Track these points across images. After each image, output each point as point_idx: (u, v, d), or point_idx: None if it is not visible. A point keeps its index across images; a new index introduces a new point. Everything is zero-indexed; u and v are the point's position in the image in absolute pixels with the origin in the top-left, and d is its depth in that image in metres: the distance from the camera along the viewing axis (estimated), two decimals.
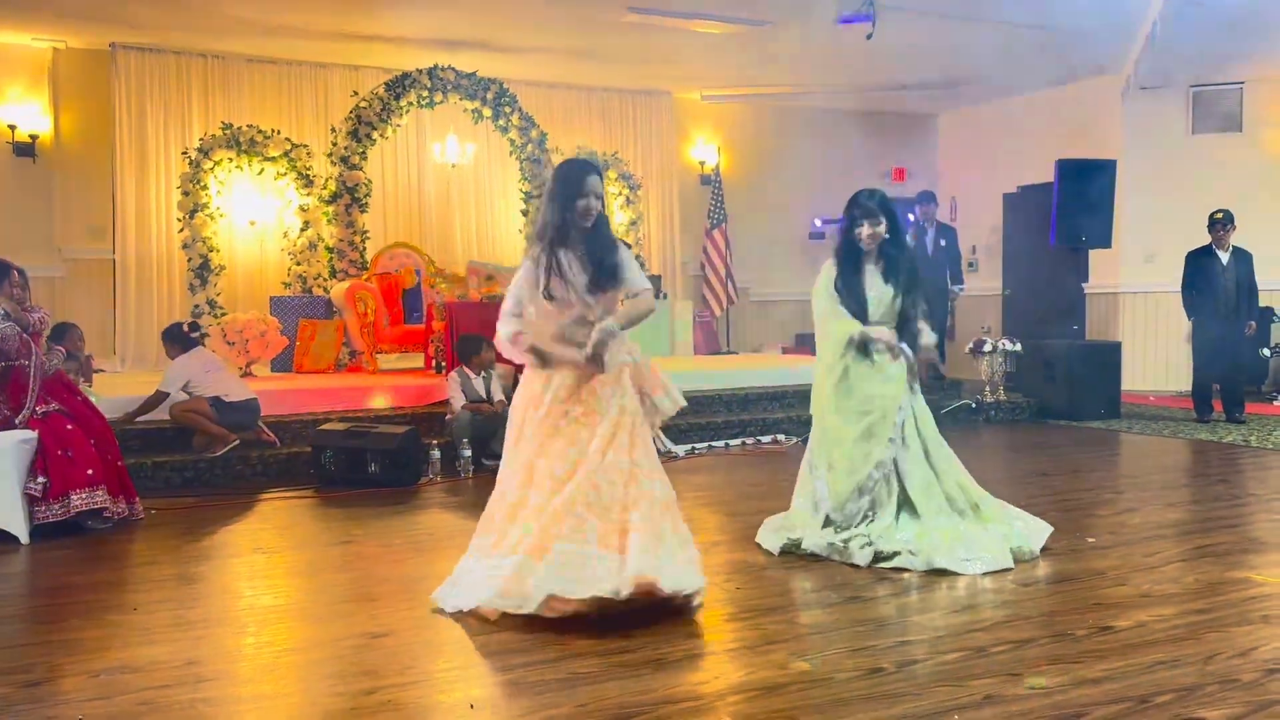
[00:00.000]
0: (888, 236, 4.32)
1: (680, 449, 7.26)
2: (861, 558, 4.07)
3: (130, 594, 3.90)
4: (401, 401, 7.59)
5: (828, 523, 4.25)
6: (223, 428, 6.37)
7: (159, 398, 6.35)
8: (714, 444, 7.60)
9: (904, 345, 4.33)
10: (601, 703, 2.71)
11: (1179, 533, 4.73)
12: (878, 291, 4.33)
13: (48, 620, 3.60)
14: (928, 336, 4.42)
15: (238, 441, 6.43)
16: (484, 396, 6.80)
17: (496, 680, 2.96)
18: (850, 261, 4.35)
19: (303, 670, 3.11)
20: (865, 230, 4.30)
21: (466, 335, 7.08)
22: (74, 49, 9.37)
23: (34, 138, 9.18)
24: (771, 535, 4.40)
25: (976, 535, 4.12)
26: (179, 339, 6.49)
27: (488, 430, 6.70)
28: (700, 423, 7.78)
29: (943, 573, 3.94)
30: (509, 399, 6.73)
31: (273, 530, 5.13)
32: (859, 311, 4.31)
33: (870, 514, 4.23)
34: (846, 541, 4.15)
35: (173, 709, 2.73)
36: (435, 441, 6.51)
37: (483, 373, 6.88)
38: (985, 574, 3.92)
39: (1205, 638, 3.17)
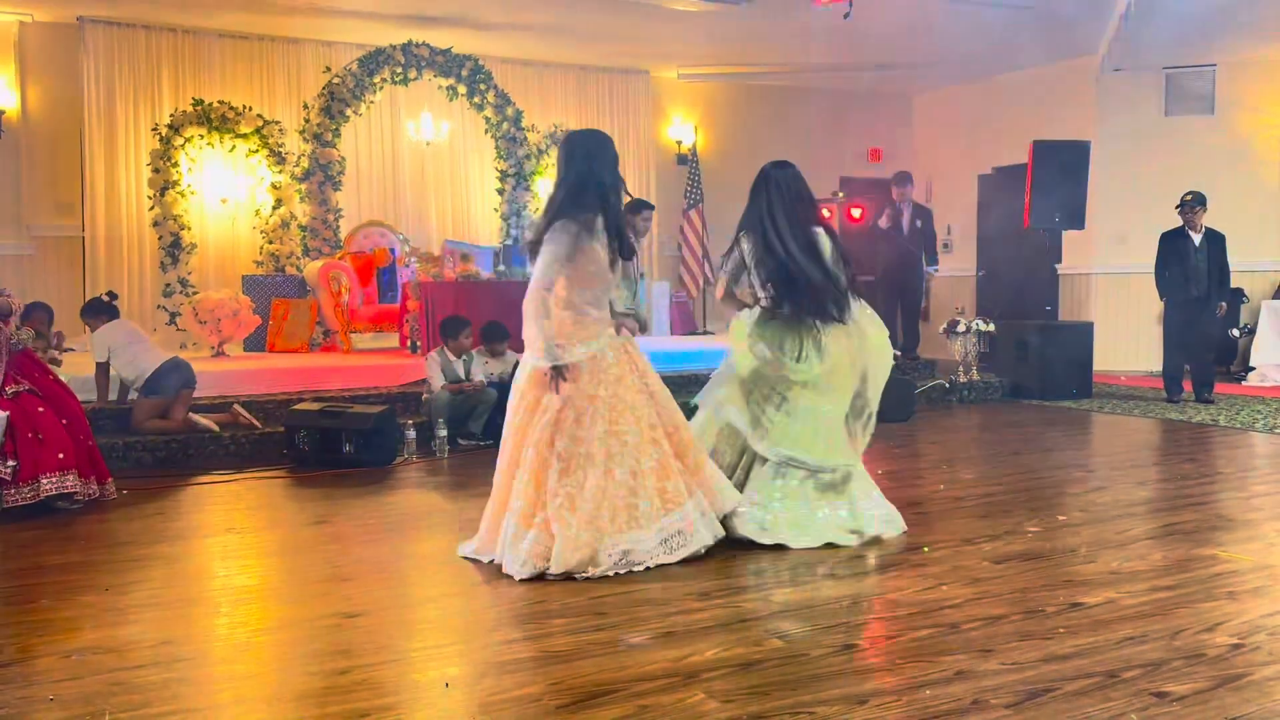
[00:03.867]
0: None
1: None
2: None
3: (103, 574, 3.86)
4: (378, 381, 7.57)
5: None
6: (183, 414, 6.40)
7: (100, 370, 6.45)
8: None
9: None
10: (577, 680, 2.72)
11: (1148, 511, 4.79)
12: None
13: (18, 601, 3.57)
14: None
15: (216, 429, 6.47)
16: (463, 379, 6.78)
17: (471, 659, 2.96)
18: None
19: (277, 650, 3.10)
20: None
21: (451, 318, 7.03)
22: (41, 22, 9.19)
23: (1, 113, 9.02)
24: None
25: None
26: (101, 309, 6.59)
27: (465, 409, 6.69)
28: (677, 403, 7.75)
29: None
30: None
31: (246, 510, 5.10)
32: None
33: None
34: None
35: (146, 689, 2.71)
36: (410, 421, 6.49)
37: (463, 355, 6.85)
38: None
39: (1173, 614, 3.22)
